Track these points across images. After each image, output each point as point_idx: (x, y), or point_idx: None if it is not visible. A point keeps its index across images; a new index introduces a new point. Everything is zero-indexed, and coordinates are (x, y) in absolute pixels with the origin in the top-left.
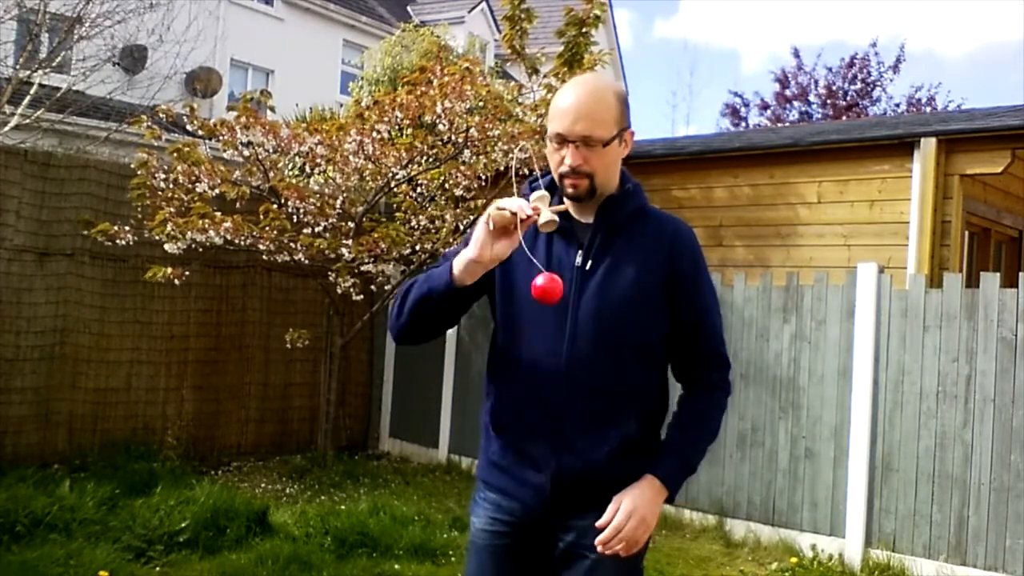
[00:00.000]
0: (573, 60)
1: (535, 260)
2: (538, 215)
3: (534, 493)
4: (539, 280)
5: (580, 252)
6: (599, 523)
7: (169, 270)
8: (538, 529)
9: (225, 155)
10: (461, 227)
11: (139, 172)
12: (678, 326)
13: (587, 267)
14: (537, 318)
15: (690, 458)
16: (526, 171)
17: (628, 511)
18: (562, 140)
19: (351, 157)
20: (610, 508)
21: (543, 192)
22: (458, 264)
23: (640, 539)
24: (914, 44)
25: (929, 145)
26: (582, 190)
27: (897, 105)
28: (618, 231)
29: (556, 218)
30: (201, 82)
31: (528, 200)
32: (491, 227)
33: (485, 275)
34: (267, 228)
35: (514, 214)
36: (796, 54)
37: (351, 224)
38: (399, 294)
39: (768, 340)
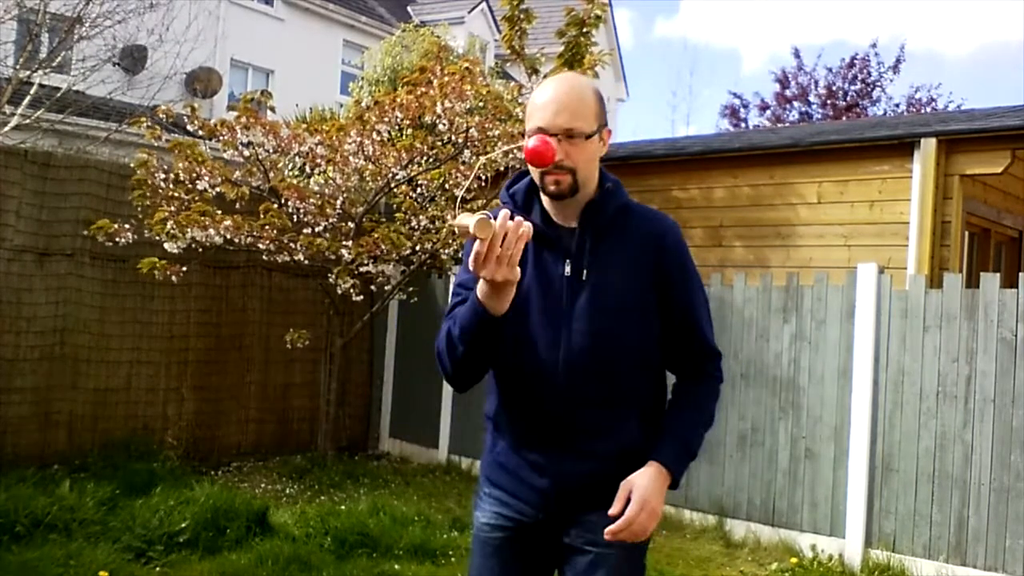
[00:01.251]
0: (573, 60)
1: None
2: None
3: (537, 496)
4: (531, 143)
5: (568, 262)
6: (611, 512)
7: (163, 262)
8: (541, 526)
9: (225, 155)
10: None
11: (139, 171)
12: (669, 323)
13: (576, 277)
14: (533, 330)
15: (690, 443)
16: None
17: (639, 501)
18: (544, 132)
19: (351, 157)
20: (619, 497)
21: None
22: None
23: (649, 528)
24: (915, 44)
25: (929, 145)
26: (564, 186)
27: (897, 105)
28: (603, 234)
29: (487, 216)
30: (201, 82)
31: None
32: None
33: None
34: (267, 227)
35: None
36: (796, 54)
37: (351, 224)
38: (439, 346)
39: (768, 340)
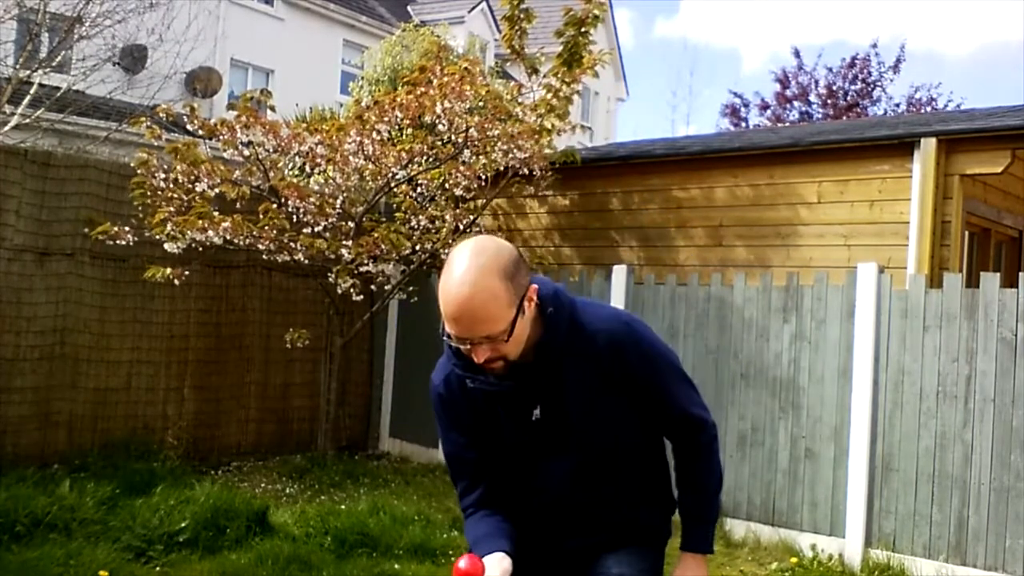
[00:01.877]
0: (572, 60)
1: None
2: None
3: (546, 551)
4: (461, 563)
5: (538, 406)
6: None
7: (169, 270)
8: (550, 560)
9: (225, 155)
10: (461, 227)
11: (139, 171)
12: (651, 412)
13: (550, 419)
14: (522, 469)
15: (711, 515)
16: (526, 171)
17: None
18: (463, 341)
19: (351, 157)
20: None
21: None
22: None
23: None
24: (915, 44)
25: (929, 145)
26: (501, 369)
27: (897, 105)
28: (561, 364)
29: None
30: (201, 82)
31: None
32: None
33: (477, 426)
34: (266, 228)
35: None
36: (797, 54)
37: (351, 224)
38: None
39: (768, 340)
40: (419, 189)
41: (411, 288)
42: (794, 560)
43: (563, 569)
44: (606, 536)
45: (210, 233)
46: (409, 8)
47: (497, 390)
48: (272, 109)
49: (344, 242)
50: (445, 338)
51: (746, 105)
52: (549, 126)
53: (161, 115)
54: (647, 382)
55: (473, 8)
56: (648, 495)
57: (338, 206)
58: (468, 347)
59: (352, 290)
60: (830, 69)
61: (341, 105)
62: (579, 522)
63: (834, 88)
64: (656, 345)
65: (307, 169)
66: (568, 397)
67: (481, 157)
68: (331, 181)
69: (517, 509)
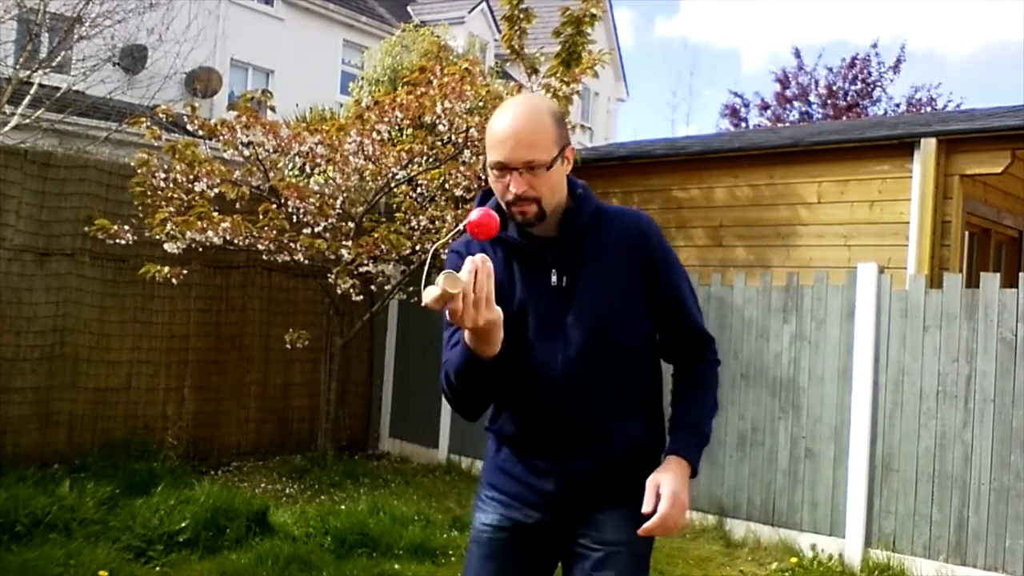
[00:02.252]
0: (570, 59)
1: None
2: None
3: (544, 500)
4: (474, 215)
5: (555, 272)
6: (644, 509)
7: (165, 269)
8: (547, 527)
9: (225, 155)
10: (461, 227)
11: (140, 171)
12: (660, 312)
13: (565, 286)
14: (531, 342)
15: (703, 431)
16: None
17: (670, 497)
18: (504, 168)
19: (351, 157)
20: (649, 495)
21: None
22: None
23: (681, 522)
24: (916, 43)
25: (929, 145)
26: (531, 215)
27: (897, 105)
28: (583, 239)
29: (439, 293)
30: (201, 82)
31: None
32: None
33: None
34: (266, 228)
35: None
36: (797, 54)
37: (351, 224)
38: (442, 386)
39: (768, 340)
40: (419, 189)
41: (411, 288)
42: (794, 560)
43: (557, 524)
44: (603, 467)
45: (210, 233)
46: (409, 8)
47: (520, 245)
48: (272, 109)
49: (344, 242)
50: (487, 170)
51: (746, 105)
52: None
53: (161, 115)
54: (664, 276)
55: (473, 8)
56: (645, 414)
57: (338, 206)
58: (507, 179)
59: (352, 290)
60: (830, 69)
61: (341, 105)
62: (578, 430)
63: (834, 88)
64: (672, 249)
65: (307, 169)
66: (585, 269)
67: (481, 157)
68: (331, 181)
69: (517, 414)
